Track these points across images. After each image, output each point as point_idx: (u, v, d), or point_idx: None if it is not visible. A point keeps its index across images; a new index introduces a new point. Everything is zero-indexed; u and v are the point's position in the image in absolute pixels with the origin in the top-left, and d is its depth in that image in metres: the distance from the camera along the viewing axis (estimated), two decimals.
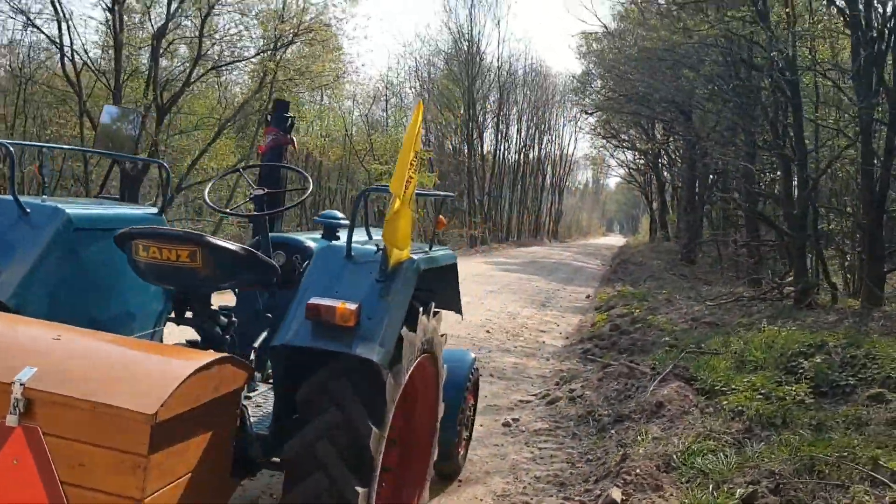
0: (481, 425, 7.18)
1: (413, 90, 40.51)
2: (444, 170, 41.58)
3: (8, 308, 3.45)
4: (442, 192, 4.36)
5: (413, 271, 3.42)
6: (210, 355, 2.88)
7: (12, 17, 19.47)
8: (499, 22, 50.97)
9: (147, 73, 20.18)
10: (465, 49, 40.94)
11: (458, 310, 4.64)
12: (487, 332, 12.54)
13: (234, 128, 23.50)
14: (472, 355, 5.77)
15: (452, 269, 4.24)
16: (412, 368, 3.63)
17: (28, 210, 3.70)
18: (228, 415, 3.05)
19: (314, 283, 3.35)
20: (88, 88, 19.90)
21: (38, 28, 19.00)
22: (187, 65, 20.50)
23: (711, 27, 17.70)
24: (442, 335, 4.51)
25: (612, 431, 6.70)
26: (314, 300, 3.19)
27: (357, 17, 42.80)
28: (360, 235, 4.69)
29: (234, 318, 3.88)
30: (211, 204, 4.50)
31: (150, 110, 20.00)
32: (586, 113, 42.60)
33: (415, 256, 3.47)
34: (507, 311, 15.24)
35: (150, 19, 20.14)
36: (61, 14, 18.32)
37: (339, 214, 5.09)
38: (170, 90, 20.58)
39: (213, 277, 3.49)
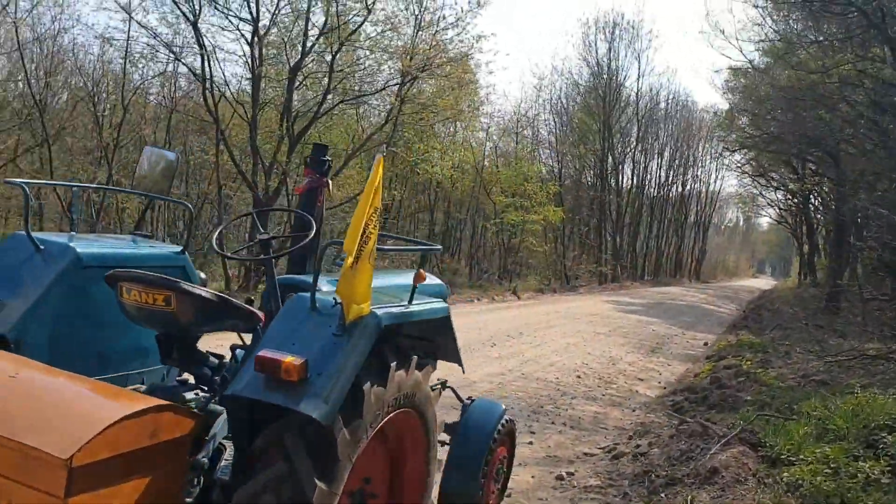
0: (532, 476, 7.03)
1: (547, 124, 40.49)
2: (577, 204, 41.20)
3: (6, 341, 3.69)
4: (425, 246, 4.31)
5: (374, 327, 3.40)
6: (147, 403, 2.97)
7: (163, 53, 20.75)
8: (639, 55, 49.78)
9: (284, 104, 21.17)
10: (605, 82, 40.58)
11: (458, 362, 4.56)
12: (578, 377, 12.25)
13: (364, 158, 24.21)
14: (503, 407, 5.64)
15: (443, 321, 4.17)
16: (384, 423, 3.60)
17: (41, 246, 3.96)
18: (172, 462, 3.12)
19: (276, 333, 3.40)
20: (226, 118, 21.09)
21: (182, 62, 20.29)
22: (319, 98, 21.31)
23: (849, 65, 16.74)
24: (437, 386, 4.46)
25: (662, 495, 6.38)
26: (263, 352, 3.24)
27: (488, 52, 42.57)
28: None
29: (225, 361, 3.99)
30: (217, 249, 4.66)
31: (283, 140, 20.96)
32: (730, 150, 41.12)
33: (378, 311, 3.45)
34: (608, 355, 14.83)
35: (286, 53, 21.16)
36: (205, 48, 19.53)
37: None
38: (303, 120, 21.50)
39: (190, 322, 3.61)
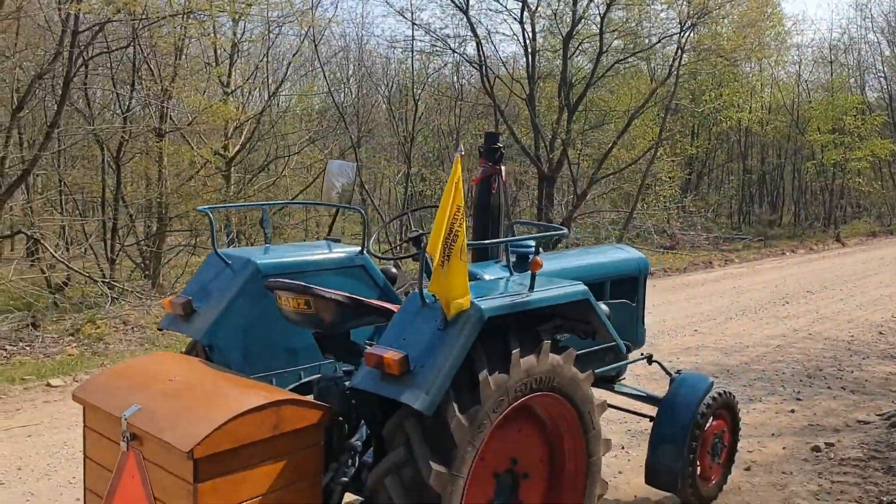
0: (784, 448, 6.52)
1: (872, 46, 35.92)
2: None
3: (202, 345, 4.31)
4: (547, 231, 4.17)
5: (476, 320, 3.43)
6: (270, 398, 3.32)
7: (440, 47, 21.83)
8: None
9: (561, 74, 21.28)
10: None
11: (615, 342, 4.38)
12: (881, 333, 10.94)
13: (649, 117, 23.52)
14: (710, 380, 5.33)
15: (581, 305, 4.03)
16: (526, 407, 3.68)
17: (229, 262, 4.53)
18: (300, 449, 3.43)
19: (391, 329, 3.59)
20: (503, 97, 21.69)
21: (457, 52, 21.20)
22: (591, 64, 21.09)
23: None
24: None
25: None
26: (371, 349, 3.45)
27: None
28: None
29: None
30: (374, 253, 4.90)
31: (563, 110, 21.06)
32: None
33: (482, 304, 3.48)
34: None
35: (557, 23, 21.20)
36: (477, 35, 20.24)
37: (532, 244, 5.14)
38: (581, 87, 21.43)
39: (332, 321, 3.93)
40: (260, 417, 3.23)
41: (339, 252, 4.95)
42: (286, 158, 25.59)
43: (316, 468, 3.51)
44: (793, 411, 7.48)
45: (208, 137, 21.02)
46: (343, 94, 22.82)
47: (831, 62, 33.42)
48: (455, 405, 3.41)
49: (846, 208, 33.74)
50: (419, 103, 23.21)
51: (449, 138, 24.90)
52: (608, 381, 5.71)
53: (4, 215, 14.85)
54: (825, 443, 6.61)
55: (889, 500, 5.41)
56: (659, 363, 5.64)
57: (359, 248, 4.99)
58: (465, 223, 3.34)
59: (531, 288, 3.75)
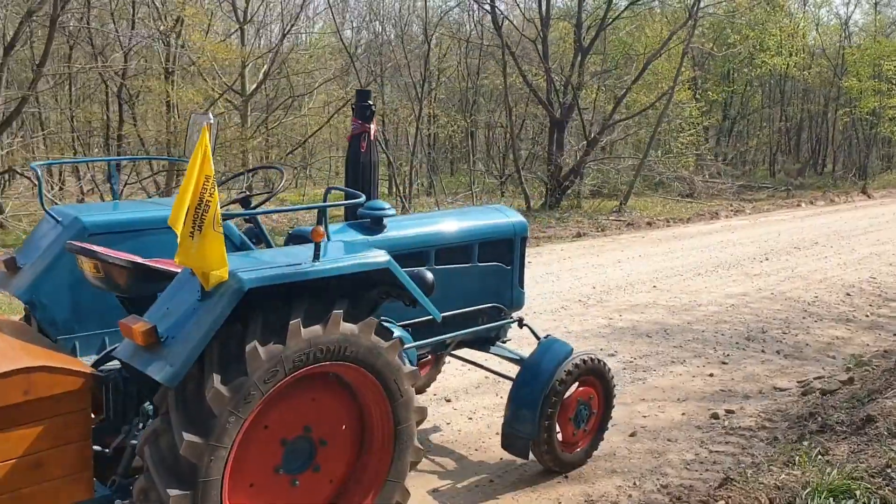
0: (683, 414, 6.47)
1: None
2: None
3: (22, 302, 4.40)
4: (349, 198, 4.15)
5: (234, 291, 3.42)
6: (21, 364, 3.37)
7: None
8: None
9: (576, 17, 20.76)
10: None
11: (432, 313, 4.33)
12: (848, 294, 10.67)
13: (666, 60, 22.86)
14: (569, 347, 5.29)
15: (381, 274, 3.99)
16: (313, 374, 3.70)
17: (59, 219, 4.57)
18: (61, 415, 3.48)
19: (162, 298, 3.63)
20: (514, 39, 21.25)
21: None
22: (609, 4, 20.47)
23: None
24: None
25: (805, 443, 5.48)
26: (124, 319, 3.50)
27: None
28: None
29: None
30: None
31: (577, 53, 20.56)
32: None
33: (244, 275, 3.46)
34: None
35: None
36: None
37: (385, 205, 5.10)
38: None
39: (127, 285, 3.95)
40: (7, 383, 3.28)
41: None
42: (306, 97, 25.69)
43: (81, 433, 3.56)
44: (711, 375, 7.39)
45: (221, 75, 21.05)
46: (352, 31, 22.52)
47: (875, 3, 31.99)
48: (216, 376, 3.43)
49: (882, 159, 32.62)
50: (432, 43, 22.84)
51: (467, 81, 24.58)
52: (485, 342, 5.71)
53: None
54: (726, 410, 6.54)
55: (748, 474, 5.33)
56: (529, 326, 5.61)
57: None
58: (216, 192, 3.32)
59: (315, 258, 3.72)
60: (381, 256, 3.98)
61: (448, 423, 6.11)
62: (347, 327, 3.81)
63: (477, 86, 25.12)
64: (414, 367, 4.18)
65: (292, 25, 23.07)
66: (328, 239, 4.64)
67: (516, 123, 22.75)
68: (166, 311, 3.54)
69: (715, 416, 6.40)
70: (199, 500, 3.43)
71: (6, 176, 15.16)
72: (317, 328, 3.70)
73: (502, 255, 5.59)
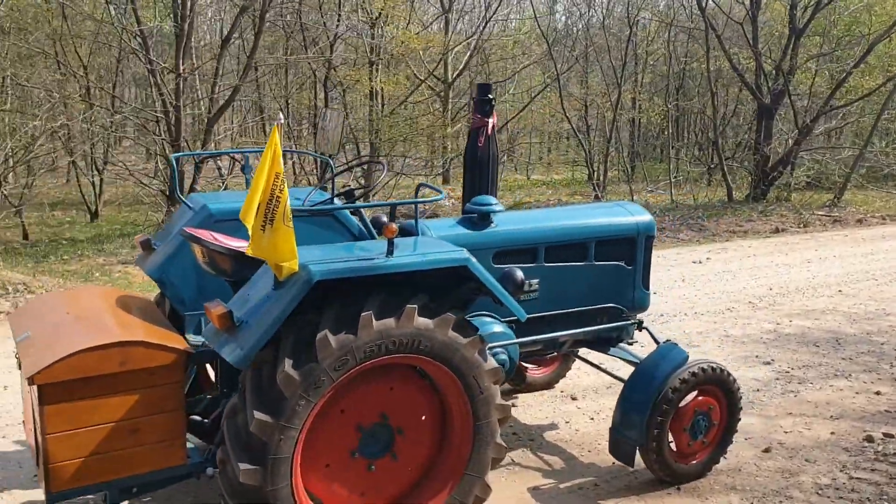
0: (832, 433, 5.95)
1: None
2: None
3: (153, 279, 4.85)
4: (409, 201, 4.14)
5: (303, 282, 3.59)
6: (121, 337, 3.73)
7: None
8: None
9: None
10: None
11: (515, 309, 4.28)
12: None
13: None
14: (685, 353, 5.03)
15: (458, 271, 3.99)
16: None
17: (191, 206, 4.97)
18: (155, 386, 3.81)
19: (248, 285, 3.88)
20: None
21: None
22: None
23: None
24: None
25: None
26: (208, 303, 3.77)
27: None
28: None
29: None
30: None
31: (790, 37, 19.17)
32: None
33: (313, 267, 3.61)
34: None
35: None
36: None
37: (493, 200, 5.08)
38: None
39: (232, 270, 4.24)
40: (105, 355, 3.66)
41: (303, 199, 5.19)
42: (507, 82, 25.95)
43: (174, 404, 3.90)
44: (878, 393, 6.71)
45: (424, 62, 21.70)
46: (548, 18, 22.36)
47: None
48: (288, 361, 3.64)
49: None
50: (636, 27, 22.23)
51: (670, 66, 23.66)
52: (605, 343, 5.57)
53: (218, 138, 16.64)
54: (884, 434, 5.93)
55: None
56: (647, 329, 5.41)
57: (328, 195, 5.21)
58: (286, 189, 3.50)
59: (389, 253, 3.82)
60: (457, 253, 4.01)
61: (567, 422, 6.03)
62: (422, 322, 3.88)
63: (683, 70, 24.10)
64: (496, 365, 4.17)
65: (495, 11, 23.40)
66: (422, 233, 4.73)
67: (726, 110, 21.58)
68: (246, 297, 3.80)
69: (869, 439, 5.83)
70: (269, 475, 3.66)
71: (219, 160, 16.57)
72: (389, 321, 3.80)
73: (623, 254, 5.42)
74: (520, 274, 4.51)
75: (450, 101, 23.77)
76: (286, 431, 3.66)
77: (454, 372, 4.06)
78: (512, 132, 27.36)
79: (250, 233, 3.53)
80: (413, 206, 4.26)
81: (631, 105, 24.22)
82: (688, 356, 5.01)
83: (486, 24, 23.29)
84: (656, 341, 5.31)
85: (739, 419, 5.28)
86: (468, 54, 23.19)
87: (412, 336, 3.88)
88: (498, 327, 4.84)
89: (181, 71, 14.36)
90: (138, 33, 14.53)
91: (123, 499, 3.94)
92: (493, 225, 5.04)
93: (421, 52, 21.51)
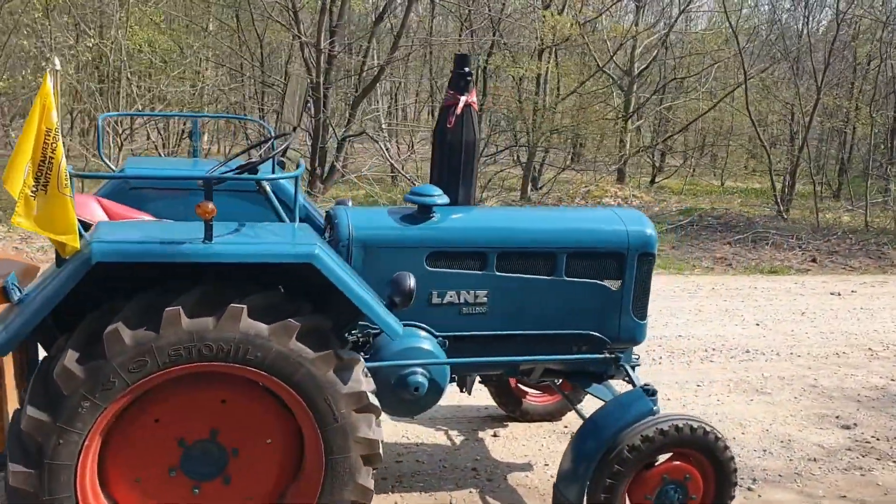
0: None
1: None
2: None
3: None
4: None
5: (80, 264, 3.03)
6: None
7: None
8: None
9: None
10: None
11: (385, 327, 3.47)
12: None
13: None
14: (651, 406, 3.98)
15: (305, 269, 3.24)
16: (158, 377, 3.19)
17: (113, 168, 4.56)
18: None
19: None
20: None
21: None
22: None
23: None
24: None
25: None
26: None
27: None
28: None
29: None
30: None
31: None
32: None
33: (98, 246, 3.03)
34: None
35: None
36: None
37: (436, 191, 4.26)
38: None
39: None
40: None
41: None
42: (693, 79, 24.06)
43: None
44: None
45: (608, 51, 20.50)
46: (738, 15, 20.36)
47: None
48: (72, 354, 3.13)
49: None
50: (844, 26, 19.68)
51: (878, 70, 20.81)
52: (583, 378, 4.61)
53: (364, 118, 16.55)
54: None
55: None
56: (625, 368, 4.37)
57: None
58: (60, 148, 2.95)
59: (207, 238, 3.18)
60: (303, 247, 3.29)
61: (546, 465, 5.07)
62: (252, 326, 3.23)
63: None
64: (357, 390, 3.41)
65: (688, 4, 21.78)
66: (338, 221, 4.07)
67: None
68: (48, 274, 3.30)
69: None
70: (45, 482, 3.15)
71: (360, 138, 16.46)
72: (206, 321, 3.19)
73: (606, 271, 4.40)
74: (410, 282, 3.68)
75: (634, 94, 22.32)
76: (66, 435, 3.13)
77: (297, 392, 3.36)
78: (702, 130, 25.32)
79: (17, 200, 3.01)
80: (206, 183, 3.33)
81: (833, 113, 21.63)
82: (653, 409, 3.96)
83: (681, 14, 21.77)
84: (634, 384, 4.28)
85: (733, 496, 4.13)
86: (656, 50, 21.78)
87: (237, 342, 3.22)
88: (421, 342, 4.06)
89: (322, 47, 14.32)
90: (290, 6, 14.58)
91: None
92: (432, 219, 4.23)
93: (605, 41, 20.40)
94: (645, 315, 4.53)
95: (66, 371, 3.09)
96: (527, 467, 5.01)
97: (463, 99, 4.51)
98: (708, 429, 4.01)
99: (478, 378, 4.74)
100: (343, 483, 3.49)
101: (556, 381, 5.02)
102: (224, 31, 17.14)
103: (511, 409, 5.58)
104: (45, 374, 3.16)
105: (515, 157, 19.15)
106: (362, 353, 4.08)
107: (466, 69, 4.53)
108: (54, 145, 2.93)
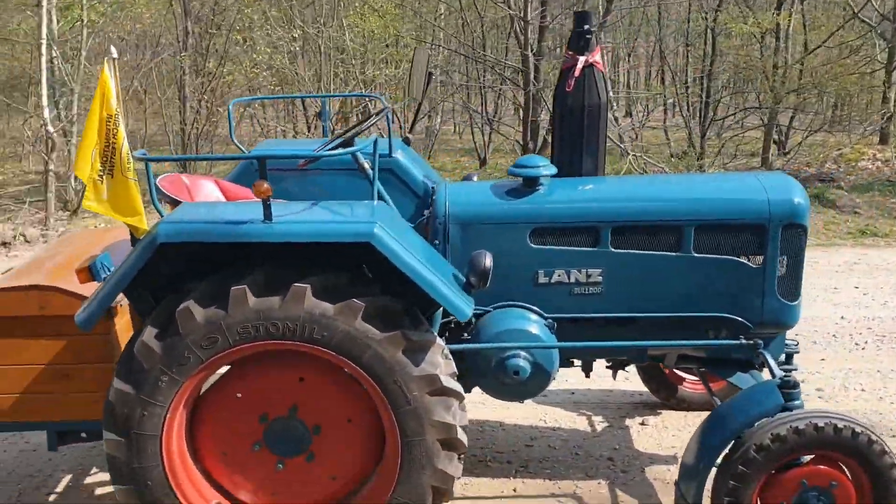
0: None
1: None
2: None
3: None
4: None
5: (147, 244, 3.11)
6: (42, 282, 3.65)
7: None
8: None
9: None
10: None
11: (455, 310, 3.23)
12: None
13: None
14: (781, 399, 3.42)
15: (362, 248, 3.08)
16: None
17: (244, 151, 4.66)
18: (80, 335, 3.56)
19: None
20: None
21: None
22: None
23: None
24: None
25: None
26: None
27: None
28: None
29: None
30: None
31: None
32: None
33: (164, 227, 3.09)
34: None
35: None
36: None
37: (542, 161, 3.93)
38: None
39: None
40: (22, 297, 3.65)
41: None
42: None
43: (100, 355, 3.74)
44: None
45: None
46: None
47: None
48: (152, 331, 3.28)
49: None
50: None
51: None
52: (722, 366, 4.11)
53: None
54: None
55: None
56: (765, 355, 3.80)
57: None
58: (121, 133, 3.07)
59: (267, 218, 3.17)
60: (362, 225, 3.18)
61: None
62: (317, 305, 3.21)
63: None
64: (429, 372, 3.27)
65: None
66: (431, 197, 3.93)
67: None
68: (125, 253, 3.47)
69: None
70: (134, 451, 3.34)
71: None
72: (272, 300, 3.22)
73: (744, 246, 3.86)
74: (486, 260, 3.42)
75: None
76: (149, 407, 3.29)
77: (367, 372, 3.29)
78: None
79: (86, 185, 3.17)
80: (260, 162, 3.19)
81: None
82: (785, 402, 3.43)
83: None
84: (773, 374, 3.72)
85: None
86: None
87: (302, 321, 3.21)
88: (523, 324, 3.82)
89: (529, 19, 14.07)
90: None
91: (63, 443, 3.92)
92: (538, 192, 3.94)
93: None
94: (796, 296, 3.93)
95: (145, 347, 3.24)
96: (671, 460, 4.56)
97: (582, 59, 4.15)
98: (858, 429, 3.40)
99: (606, 364, 4.37)
100: (420, 467, 3.38)
101: (698, 369, 4.50)
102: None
103: (665, 397, 5.13)
104: (130, 350, 3.33)
105: (761, 120, 17.65)
106: (465, 335, 3.93)
107: (586, 27, 4.16)
108: (115, 131, 3.06)
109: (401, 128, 15.65)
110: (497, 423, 5.00)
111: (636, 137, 15.99)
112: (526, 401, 4.15)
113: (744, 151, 16.31)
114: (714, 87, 17.17)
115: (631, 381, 5.23)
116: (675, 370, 5.09)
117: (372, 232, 3.14)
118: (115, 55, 3.09)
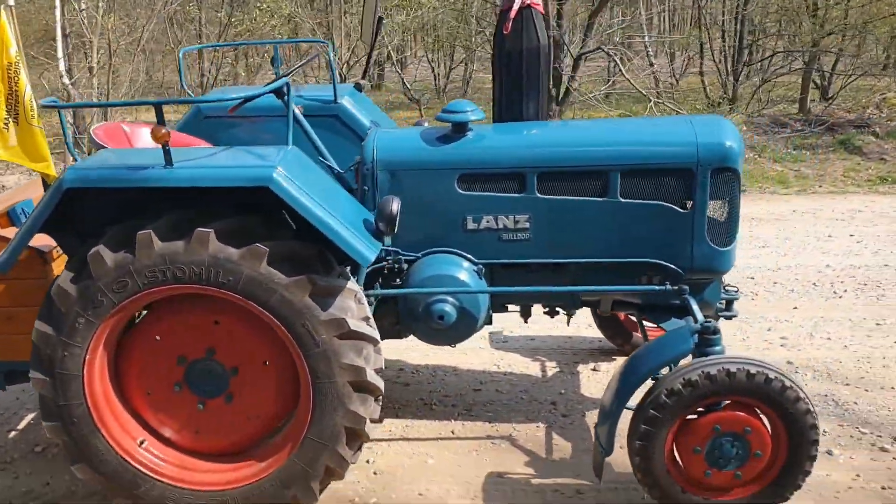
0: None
1: None
2: None
3: None
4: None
5: (53, 191, 3.19)
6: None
7: None
8: None
9: None
10: None
11: (353, 252, 3.23)
12: None
13: None
14: (690, 344, 3.41)
15: (263, 193, 3.10)
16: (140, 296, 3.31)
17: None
18: (21, 279, 3.73)
19: None
20: None
21: None
22: None
23: None
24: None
25: None
26: None
27: None
28: None
29: None
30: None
31: None
32: None
33: (71, 173, 3.16)
34: None
35: None
36: None
37: (469, 106, 3.89)
38: None
39: None
40: None
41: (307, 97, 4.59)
42: None
43: (38, 298, 3.83)
44: None
45: None
46: None
47: None
48: (69, 274, 3.38)
49: None
50: None
51: None
52: (655, 312, 4.09)
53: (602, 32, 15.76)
54: None
55: None
56: (688, 300, 3.75)
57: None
58: (21, 80, 3.13)
59: (168, 163, 3.22)
60: (261, 169, 3.21)
61: None
62: (222, 249, 3.27)
63: None
64: (337, 316, 3.32)
65: None
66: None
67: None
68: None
69: None
70: (58, 390, 3.46)
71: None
72: (177, 244, 3.28)
73: (672, 191, 3.81)
74: (392, 206, 3.43)
75: None
76: (69, 348, 3.41)
77: (275, 316, 3.35)
78: None
79: None
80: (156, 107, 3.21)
81: None
82: (693, 348, 3.41)
83: None
84: (694, 320, 3.67)
85: (814, 456, 3.45)
86: None
87: (207, 265, 3.27)
88: (450, 270, 3.85)
89: None
90: None
91: (10, 382, 4.06)
92: (465, 138, 3.92)
93: None
94: (730, 241, 3.87)
95: (61, 290, 3.34)
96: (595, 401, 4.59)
97: (518, 0, 4.07)
98: (772, 375, 3.36)
99: (543, 309, 4.35)
100: (332, 408, 3.45)
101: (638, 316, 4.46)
102: None
103: (620, 343, 5.12)
104: (49, 294, 3.43)
105: (802, 61, 16.96)
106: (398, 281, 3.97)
107: None
108: (16, 78, 3.11)
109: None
110: (451, 367, 5.05)
111: (656, 84, 15.57)
112: (458, 344, 4.13)
113: (782, 97, 15.80)
114: (750, 29, 16.57)
115: (593, 327, 5.22)
116: (630, 317, 5.07)
117: (270, 176, 3.17)
118: (11, 2, 3.14)
